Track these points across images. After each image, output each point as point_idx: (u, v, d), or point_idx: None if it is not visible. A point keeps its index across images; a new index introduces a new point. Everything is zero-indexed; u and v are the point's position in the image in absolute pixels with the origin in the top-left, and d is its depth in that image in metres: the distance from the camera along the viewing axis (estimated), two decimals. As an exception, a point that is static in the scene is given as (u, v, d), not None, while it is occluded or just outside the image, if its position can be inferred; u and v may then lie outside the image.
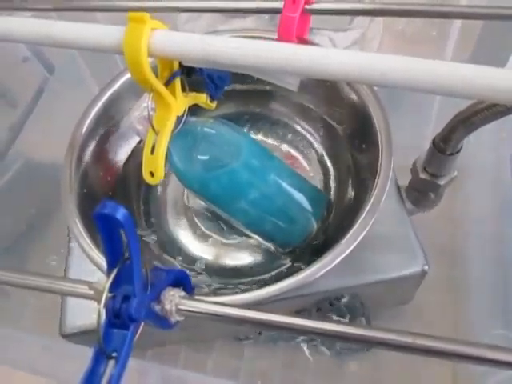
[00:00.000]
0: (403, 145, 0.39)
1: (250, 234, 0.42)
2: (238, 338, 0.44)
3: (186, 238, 0.43)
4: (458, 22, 0.58)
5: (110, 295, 0.20)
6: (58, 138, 0.47)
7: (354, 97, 0.38)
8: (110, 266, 0.20)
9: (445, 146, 0.33)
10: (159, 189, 0.46)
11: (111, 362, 0.20)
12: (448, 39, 0.58)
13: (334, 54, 0.21)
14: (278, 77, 0.28)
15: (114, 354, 0.20)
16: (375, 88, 0.37)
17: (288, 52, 0.22)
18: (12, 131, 0.48)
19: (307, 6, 0.31)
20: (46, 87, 0.49)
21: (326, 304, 0.38)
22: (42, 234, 0.53)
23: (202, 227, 0.44)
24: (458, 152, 0.34)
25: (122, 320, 0.20)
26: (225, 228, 0.43)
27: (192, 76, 0.29)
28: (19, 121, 0.47)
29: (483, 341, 0.18)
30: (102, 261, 0.31)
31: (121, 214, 0.18)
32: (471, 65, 0.20)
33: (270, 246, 0.42)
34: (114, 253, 0.20)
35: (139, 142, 0.43)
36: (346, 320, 0.38)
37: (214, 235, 0.43)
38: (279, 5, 0.31)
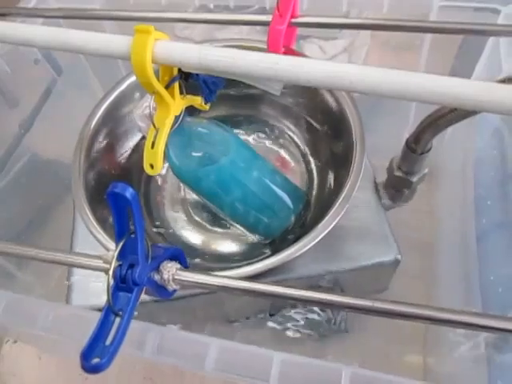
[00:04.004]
0: (383, 147, 0.43)
1: (236, 226, 0.45)
2: (229, 321, 0.48)
3: (180, 226, 0.46)
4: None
5: (117, 263, 0.24)
6: (62, 136, 0.50)
7: (332, 101, 0.41)
8: (118, 239, 0.24)
9: (416, 146, 0.36)
10: (158, 181, 0.49)
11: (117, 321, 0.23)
12: (430, 48, 0.61)
13: (309, 63, 0.25)
14: (264, 82, 0.32)
15: (121, 313, 0.23)
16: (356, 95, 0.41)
17: (271, 61, 0.26)
18: (21, 128, 0.50)
19: (293, 20, 0.34)
20: (54, 88, 0.52)
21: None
22: (45, 226, 0.55)
23: (196, 217, 0.46)
24: (428, 151, 0.38)
25: (127, 284, 0.23)
26: (214, 218, 0.46)
27: (189, 81, 0.32)
28: (28, 119, 0.50)
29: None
30: (107, 242, 0.35)
31: (129, 193, 0.22)
32: (425, 74, 0.23)
33: (253, 236, 0.45)
34: (122, 227, 0.24)
35: (140, 140, 0.46)
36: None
37: (205, 224, 0.46)
38: (268, 18, 0.34)
